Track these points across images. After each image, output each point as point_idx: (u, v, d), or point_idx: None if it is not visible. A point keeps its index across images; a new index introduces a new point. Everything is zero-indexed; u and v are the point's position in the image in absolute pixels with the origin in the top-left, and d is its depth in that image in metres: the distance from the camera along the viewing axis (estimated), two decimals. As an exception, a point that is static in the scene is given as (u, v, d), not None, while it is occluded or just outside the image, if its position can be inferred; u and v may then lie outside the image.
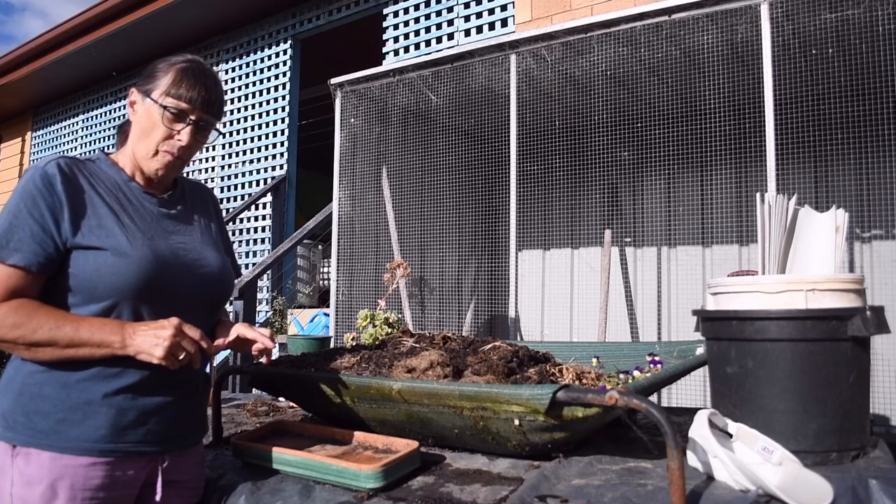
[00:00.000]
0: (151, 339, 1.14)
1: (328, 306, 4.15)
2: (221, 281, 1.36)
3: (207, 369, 1.37)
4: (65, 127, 8.43)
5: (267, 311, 5.64)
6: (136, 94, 1.31)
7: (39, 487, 1.13)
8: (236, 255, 6.56)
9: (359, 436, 1.45)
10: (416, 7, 5.05)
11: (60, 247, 1.17)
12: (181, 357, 1.16)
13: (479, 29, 4.68)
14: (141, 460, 1.23)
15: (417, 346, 1.65)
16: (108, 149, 2.71)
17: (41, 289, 1.19)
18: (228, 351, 1.25)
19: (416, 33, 5.03)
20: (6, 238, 1.15)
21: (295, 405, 2.07)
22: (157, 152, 1.29)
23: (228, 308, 4.88)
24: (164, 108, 1.26)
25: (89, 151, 7.78)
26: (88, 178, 1.25)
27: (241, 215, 6.09)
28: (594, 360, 1.85)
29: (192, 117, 1.28)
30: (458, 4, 4.80)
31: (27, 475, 1.14)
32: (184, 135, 1.29)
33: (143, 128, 1.29)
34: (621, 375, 1.53)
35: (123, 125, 1.41)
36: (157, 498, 1.26)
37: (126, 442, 1.20)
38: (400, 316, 2.93)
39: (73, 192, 1.20)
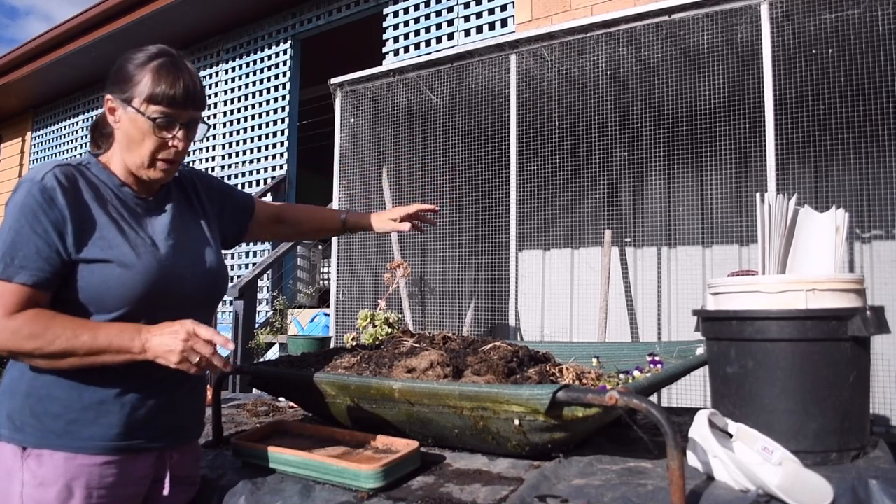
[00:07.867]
0: (167, 343, 1.12)
1: (328, 306, 4.15)
2: (219, 274, 1.36)
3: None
4: (65, 127, 8.42)
5: (267, 311, 5.64)
6: (114, 101, 1.23)
7: (55, 488, 1.13)
8: (237, 255, 6.53)
9: (359, 436, 1.45)
10: (416, 7, 5.04)
11: (66, 261, 1.15)
12: (196, 360, 1.12)
13: (479, 29, 4.67)
14: (151, 456, 1.24)
15: (417, 346, 1.65)
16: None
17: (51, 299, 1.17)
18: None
19: (416, 33, 5.03)
20: (10, 255, 1.12)
21: (295, 405, 2.07)
22: (153, 162, 1.23)
23: (228, 308, 4.88)
24: (153, 119, 1.20)
25: (86, 152, 7.74)
26: (86, 186, 1.21)
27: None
28: (594, 360, 1.85)
29: (181, 120, 1.23)
30: (458, 4, 4.79)
31: (41, 476, 1.13)
32: (178, 141, 1.23)
33: (132, 137, 1.22)
34: (621, 375, 1.53)
35: (98, 124, 1.34)
36: (165, 493, 1.27)
37: (138, 438, 1.21)
38: (400, 316, 2.93)
39: (75, 204, 1.17)
